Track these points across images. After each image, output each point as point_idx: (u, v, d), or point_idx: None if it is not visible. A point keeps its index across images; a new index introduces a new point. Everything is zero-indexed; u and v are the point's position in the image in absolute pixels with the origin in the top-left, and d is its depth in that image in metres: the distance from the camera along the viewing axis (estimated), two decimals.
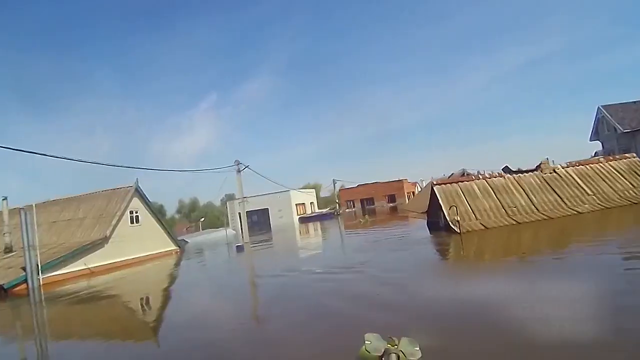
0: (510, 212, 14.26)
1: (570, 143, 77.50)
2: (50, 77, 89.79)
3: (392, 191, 66.32)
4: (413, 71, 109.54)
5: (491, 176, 15.80)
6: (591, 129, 36.27)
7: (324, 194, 73.95)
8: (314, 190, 66.52)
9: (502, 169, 16.38)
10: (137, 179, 21.29)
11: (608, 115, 31.48)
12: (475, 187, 15.16)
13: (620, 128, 29.29)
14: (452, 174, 33.22)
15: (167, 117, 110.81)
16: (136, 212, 21.18)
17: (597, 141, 36.46)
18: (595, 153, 33.82)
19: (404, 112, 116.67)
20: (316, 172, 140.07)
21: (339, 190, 67.45)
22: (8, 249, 17.92)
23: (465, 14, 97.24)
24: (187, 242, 32.94)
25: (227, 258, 18.81)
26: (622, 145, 28.67)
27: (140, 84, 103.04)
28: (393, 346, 3.65)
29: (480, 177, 15.76)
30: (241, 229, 23.67)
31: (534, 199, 14.89)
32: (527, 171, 16.38)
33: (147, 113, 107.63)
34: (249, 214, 48.64)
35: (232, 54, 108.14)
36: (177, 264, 19.16)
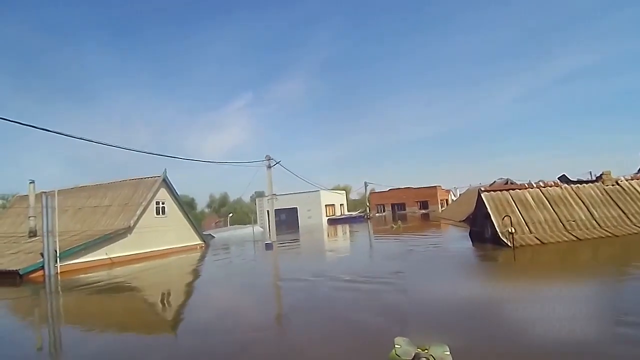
0: (568, 227, 12.65)
1: (612, 158, 73.18)
2: (89, 71, 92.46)
3: (425, 197, 64.23)
4: (447, 81, 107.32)
5: (546, 185, 14.19)
6: None
7: (353, 196, 72.60)
8: (344, 191, 65.22)
9: (559, 178, 14.71)
10: (165, 169, 20.69)
11: None
12: (529, 197, 13.60)
13: None
14: (494, 182, 31.28)
15: (201, 113, 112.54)
16: (162, 203, 20.57)
17: None
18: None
19: (437, 119, 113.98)
20: (346, 175, 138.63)
21: (370, 193, 65.81)
22: (32, 234, 17.60)
23: (506, 24, 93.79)
24: (213, 236, 32.40)
25: (253, 256, 17.89)
26: None
27: (176, 78, 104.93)
28: (423, 350, 3.55)
29: (534, 185, 14.15)
30: (269, 226, 22.71)
31: (595, 213, 13.22)
32: (585, 182, 14.72)
33: (182, 108, 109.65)
34: (277, 212, 47.64)
35: (269, 53, 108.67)
36: (201, 259, 18.38)
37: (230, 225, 45.19)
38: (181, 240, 21.31)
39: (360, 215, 47.12)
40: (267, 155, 22.11)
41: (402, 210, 63.60)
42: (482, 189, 14.16)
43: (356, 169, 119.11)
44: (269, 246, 19.77)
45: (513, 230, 11.15)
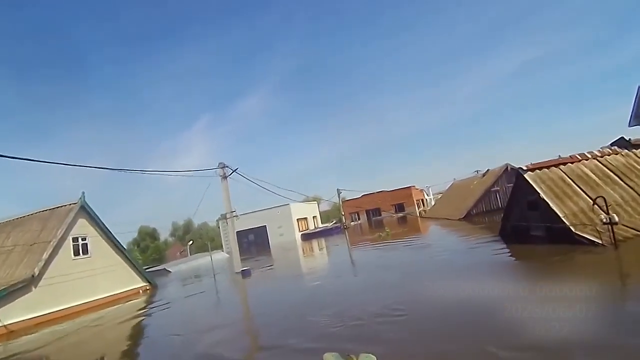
0: None
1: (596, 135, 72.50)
2: (47, 105, 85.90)
3: (400, 200, 60.52)
4: (407, 84, 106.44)
5: (603, 154, 10.37)
6: (630, 113, 30.99)
7: (323, 207, 68.13)
8: (316, 202, 60.66)
9: (613, 144, 10.92)
10: (82, 192, 15.58)
11: None
12: (588, 171, 9.71)
13: None
14: (487, 170, 27.79)
15: (163, 139, 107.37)
16: (83, 240, 15.42)
17: (638, 126, 31.32)
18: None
19: (401, 122, 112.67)
20: (314, 186, 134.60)
21: (342, 202, 61.55)
22: None
23: (467, 19, 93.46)
24: (169, 271, 27.24)
25: (214, 298, 13.24)
26: None
27: (137, 109, 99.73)
28: None
29: (588, 156, 10.29)
30: (237, 249, 17.95)
31: None
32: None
33: (143, 136, 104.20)
34: (245, 232, 42.79)
35: (228, 73, 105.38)
36: (143, 308, 13.51)
37: (191, 254, 39.91)
38: (116, 285, 16.12)
39: (337, 226, 42.73)
40: (220, 163, 17.36)
41: (377, 216, 59.58)
42: (524, 167, 10.07)
43: (323, 180, 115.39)
44: (246, 273, 16.55)
45: (616, 219, 7.05)
